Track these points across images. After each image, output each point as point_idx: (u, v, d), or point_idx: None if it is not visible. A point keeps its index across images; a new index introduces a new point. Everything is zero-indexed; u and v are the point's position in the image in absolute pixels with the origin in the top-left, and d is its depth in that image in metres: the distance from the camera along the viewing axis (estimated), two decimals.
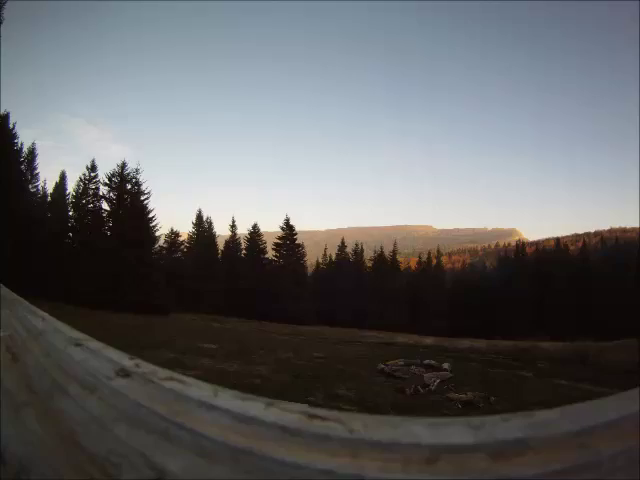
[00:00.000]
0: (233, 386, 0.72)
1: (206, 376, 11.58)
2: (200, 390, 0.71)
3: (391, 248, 66.66)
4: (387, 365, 16.32)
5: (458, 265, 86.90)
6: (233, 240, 57.85)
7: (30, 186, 40.00)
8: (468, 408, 11.16)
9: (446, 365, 16.61)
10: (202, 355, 15.97)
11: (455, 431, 0.59)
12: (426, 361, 17.14)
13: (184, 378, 0.75)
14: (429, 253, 72.50)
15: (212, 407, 0.66)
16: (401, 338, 33.99)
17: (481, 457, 0.56)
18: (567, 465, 0.54)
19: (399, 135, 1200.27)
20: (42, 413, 0.79)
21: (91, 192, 39.96)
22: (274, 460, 0.57)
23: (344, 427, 0.61)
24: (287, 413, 0.64)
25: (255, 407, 0.65)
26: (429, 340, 32.04)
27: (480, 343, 29.21)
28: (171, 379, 0.75)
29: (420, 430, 0.60)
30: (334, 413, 0.64)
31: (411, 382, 13.56)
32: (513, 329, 45.82)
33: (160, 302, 35.18)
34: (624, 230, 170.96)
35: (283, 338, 27.57)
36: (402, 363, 16.74)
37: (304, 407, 0.66)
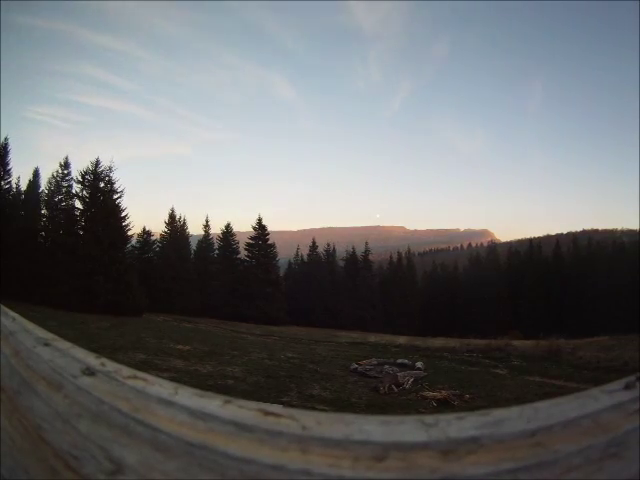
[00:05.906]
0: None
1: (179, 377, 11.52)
2: (161, 388, 0.73)
3: (363, 248, 66.52)
4: (360, 364, 16.39)
5: (429, 266, 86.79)
6: (206, 240, 57.11)
7: (3, 183, 38.92)
8: (443, 406, 11.28)
9: (419, 364, 16.71)
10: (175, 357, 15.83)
11: (407, 429, 0.60)
12: (399, 360, 17.26)
13: (147, 376, 0.78)
14: (399, 253, 72.75)
15: (171, 404, 0.69)
16: (374, 338, 34.18)
17: (431, 455, 0.56)
18: (520, 464, 0.55)
19: (372, 136, 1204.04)
20: (11, 410, 0.82)
21: (64, 190, 39.00)
22: (226, 455, 0.59)
23: (297, 424, 0.63)
24: (243, 410, 0.66)
25: (212, 404, 0.68)
26: (402, 339, 32.19)
27: (453, 342, 29.39)
28: (134, 377, 0.78)
29: (372, 428, 0.61)
30: (289, 410, 0.66)
31: (385, 381, 13.64)
32: (486, 328, 46.31)
33: (133, 303, 34.53)
34: (596, 231, 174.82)
35: (256, 339, 27.45)
36: (375, 362, 16.83)
37: (261, 405, 0.68)
